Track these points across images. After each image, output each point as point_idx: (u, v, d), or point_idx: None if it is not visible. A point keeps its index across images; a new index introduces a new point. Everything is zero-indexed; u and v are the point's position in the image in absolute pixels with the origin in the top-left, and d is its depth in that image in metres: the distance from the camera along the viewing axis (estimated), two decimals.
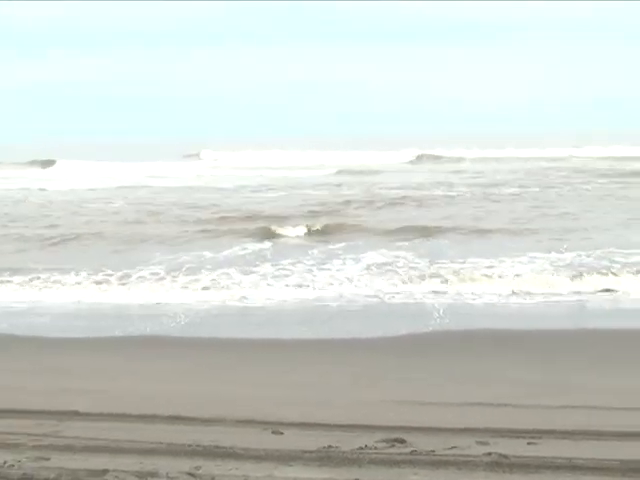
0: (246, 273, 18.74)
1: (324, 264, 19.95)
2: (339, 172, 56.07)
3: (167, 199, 38.30)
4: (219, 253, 22.18)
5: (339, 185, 44.40)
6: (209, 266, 19.74)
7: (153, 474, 7.29)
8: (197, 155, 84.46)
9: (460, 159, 68.14)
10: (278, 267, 19.56)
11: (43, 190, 44.96)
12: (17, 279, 18.53)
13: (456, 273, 18.18)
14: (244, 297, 16.91)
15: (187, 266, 19.71)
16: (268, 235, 24.80)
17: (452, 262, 19.44)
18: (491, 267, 18.63)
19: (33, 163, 72.62)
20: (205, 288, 17.77)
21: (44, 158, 73.73)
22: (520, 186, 40.95)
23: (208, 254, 21.86)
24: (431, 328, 14.18)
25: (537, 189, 39.55)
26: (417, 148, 75.46)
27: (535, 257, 19.78)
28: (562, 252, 20.21)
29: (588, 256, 19.67)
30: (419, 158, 70.75)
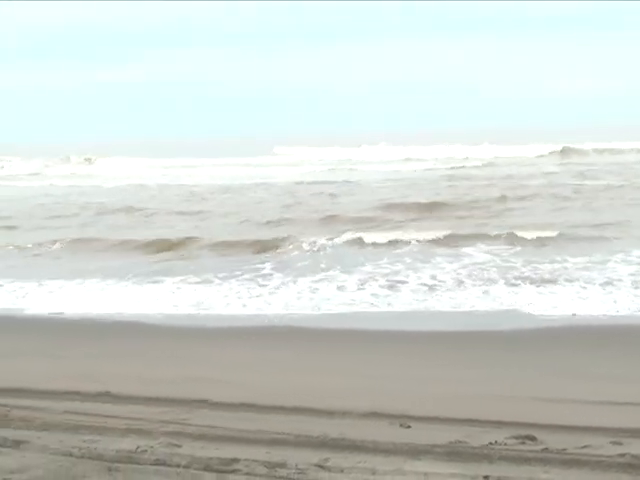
0: (350, 273, 18.77)
1: (424, 262, 19.88)
2: (486, 165, 55.28)
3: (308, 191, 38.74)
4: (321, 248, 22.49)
5: (470, 178, 43.83)
6: (323, 265, 20.08)
7: (282, 465, 7.29)
8: (270, 151, 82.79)
9: (605, 151, 65.71)
10: (377, 266, 19.57)
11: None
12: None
13: (553, 272, 17.94)
14: (353, 291, 16.97)
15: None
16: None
17: (552, 263, 19.13)
18: (587, 268, 18.23)
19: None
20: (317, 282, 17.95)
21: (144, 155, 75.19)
22: None
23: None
24: (543, 324, 13.94)
25: None
26: (554, 142, 72.58)
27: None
28: None
29: None
30: (563, 152, 67.85)
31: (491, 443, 7.82)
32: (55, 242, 24.71)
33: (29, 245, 24.56)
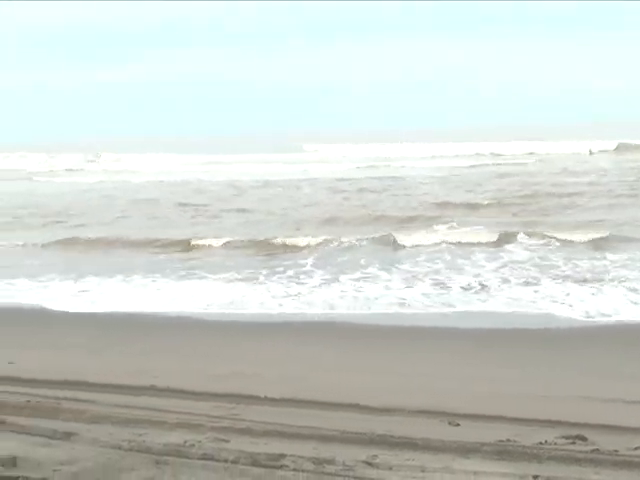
0: (390, 272, 18.75)
1: (465, 259, 19.96)
2: (539, 161, 54.59)
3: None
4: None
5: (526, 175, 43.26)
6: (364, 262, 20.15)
7: (330, 461, 7.25)
8: (300, 148, 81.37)
9: None
10: (414, 266, 19.55)
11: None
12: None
13: (592, 270, 17.83)
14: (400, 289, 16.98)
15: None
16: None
17: (592, 259, 19.05)
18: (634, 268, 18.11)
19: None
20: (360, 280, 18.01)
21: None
22: None
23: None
24: (590, 324, 13.84)
25: None
26: (602, 139, 70.41)
27: None
28: None
29: None
30: (619, 148, 65.86)
31: (541, 443, 7.74)
32: (102, 239, 24.80)
33: (75, 239, 24.73)
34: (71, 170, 61.10)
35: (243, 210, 31.78)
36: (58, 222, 29.72)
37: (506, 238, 22.49)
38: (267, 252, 22.15)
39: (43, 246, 23.96)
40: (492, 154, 62.80)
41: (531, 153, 62.40)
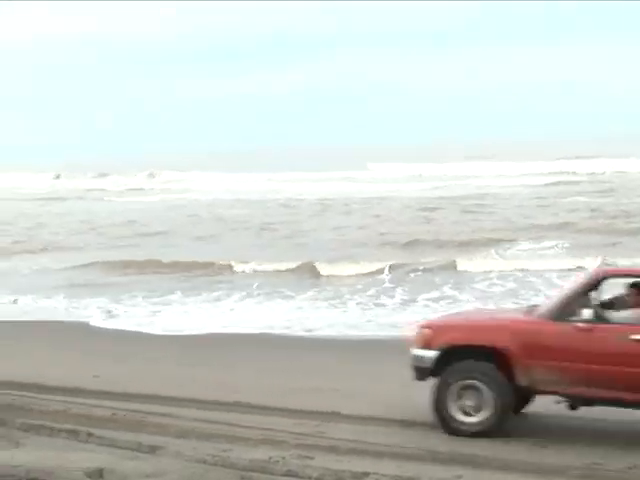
0: (464, 292, 18.84)
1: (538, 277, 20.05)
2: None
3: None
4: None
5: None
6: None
7: None
8: (363, 166, 79.39)
9: None
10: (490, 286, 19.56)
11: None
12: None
13: None
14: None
15: None
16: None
17: None
18: None
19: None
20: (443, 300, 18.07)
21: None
22: None
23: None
24: None
25: None
26: None
27: None
28: None
29: None
30: None
31: (629, 467, 7.62)
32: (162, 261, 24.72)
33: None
34: (134, 189, 61.02)
35: (314, 230, 31.64)
36: (142, 241, 29.98)
37: (579, 260, 22.03)
38: (344, 273, 22.09)
39: (118, 265, 24.09)
40: (571, 172, 61.23)
41: (621, 172, 60.32)
